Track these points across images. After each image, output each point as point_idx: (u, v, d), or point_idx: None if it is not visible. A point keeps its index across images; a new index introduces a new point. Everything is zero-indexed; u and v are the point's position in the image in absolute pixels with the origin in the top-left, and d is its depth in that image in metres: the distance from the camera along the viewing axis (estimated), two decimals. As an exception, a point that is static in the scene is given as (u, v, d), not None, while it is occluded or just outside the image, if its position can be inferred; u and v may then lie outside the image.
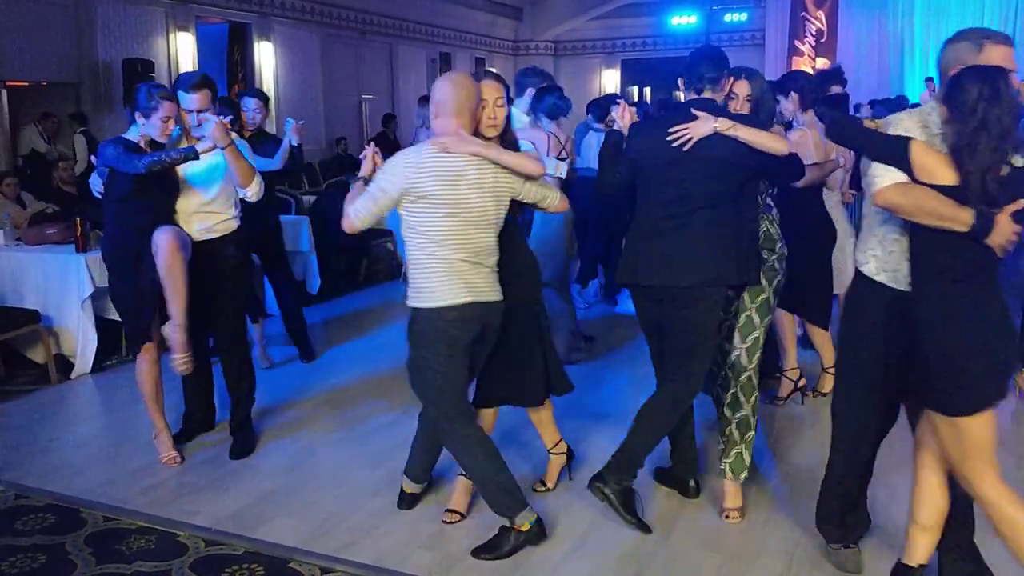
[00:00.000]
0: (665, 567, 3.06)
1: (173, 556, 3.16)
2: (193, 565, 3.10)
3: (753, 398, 3.44)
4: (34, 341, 5.40)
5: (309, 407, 4.72)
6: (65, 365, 5.39)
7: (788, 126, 4.48)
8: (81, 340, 5.33)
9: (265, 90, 12.05)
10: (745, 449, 3.41)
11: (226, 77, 11.99)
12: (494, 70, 3.33)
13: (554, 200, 3.23)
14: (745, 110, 3.40)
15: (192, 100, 3.84)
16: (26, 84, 9.59)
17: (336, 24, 13.51)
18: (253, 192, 3.93)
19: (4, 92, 9.18)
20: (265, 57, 12.12)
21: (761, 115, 3.42)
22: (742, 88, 3.37)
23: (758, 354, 3.45)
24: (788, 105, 4.45)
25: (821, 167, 4.31)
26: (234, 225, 4.10)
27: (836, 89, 5.65)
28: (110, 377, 5.38)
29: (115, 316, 5.60)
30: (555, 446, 3.68)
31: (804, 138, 4.32)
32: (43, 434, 4.41)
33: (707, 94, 3.24)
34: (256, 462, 4.00)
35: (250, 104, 5.28)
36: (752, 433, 3.44)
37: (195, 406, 4.33)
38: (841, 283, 4.61)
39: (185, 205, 3.95)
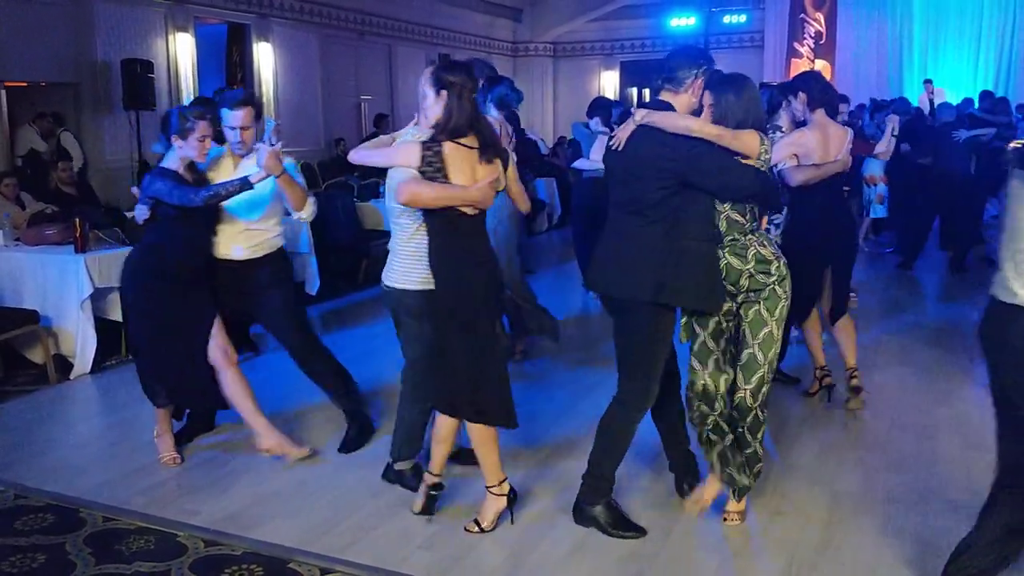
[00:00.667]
0: (666, 567, 3.06)
1: (172, 556, 3.16)
2: (192, 565, 3.10)
3: (760, 433, 3.27)
4: (33, 341, 5.40)
5: (308, 408, 4.71)
6: (64, 365, 5.39)
7: (801, 124, 4.52)
8: (80, 340, 5.33)
9: (264, 91, 12.07)
10: (751, 479, 3.29)
11: (224, 78, 11.99)
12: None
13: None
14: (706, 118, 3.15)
15: (235, 117, 3.84)
16: (25, 84, 9.58)
17: (335, 25, 13.51)
18: (307, 214, 3.94)
19: (3, 92, 9.16)
20: (264, 58, 12.11)
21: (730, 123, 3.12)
22: (707, 98, 3.19)
23: (764, 390, 3.23)
24: (797, 105, 4.47)
25: (819, 168, 4.31)
26: (280, 243, 4.14)
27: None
28: (109, 377, 5.38)
29: (115, 317, 5.63)
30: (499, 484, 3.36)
31: (803, 137, 4.34)
32: (42, 434, 4.41)
33: (665, 95, 3.16)
34: (255, 463, 3.99)
35: None
36: (760, 465, 3.31)
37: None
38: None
39: (231, 226, 3.94)
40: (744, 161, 3.05)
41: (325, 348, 4.33)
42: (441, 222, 3.14)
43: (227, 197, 3.67)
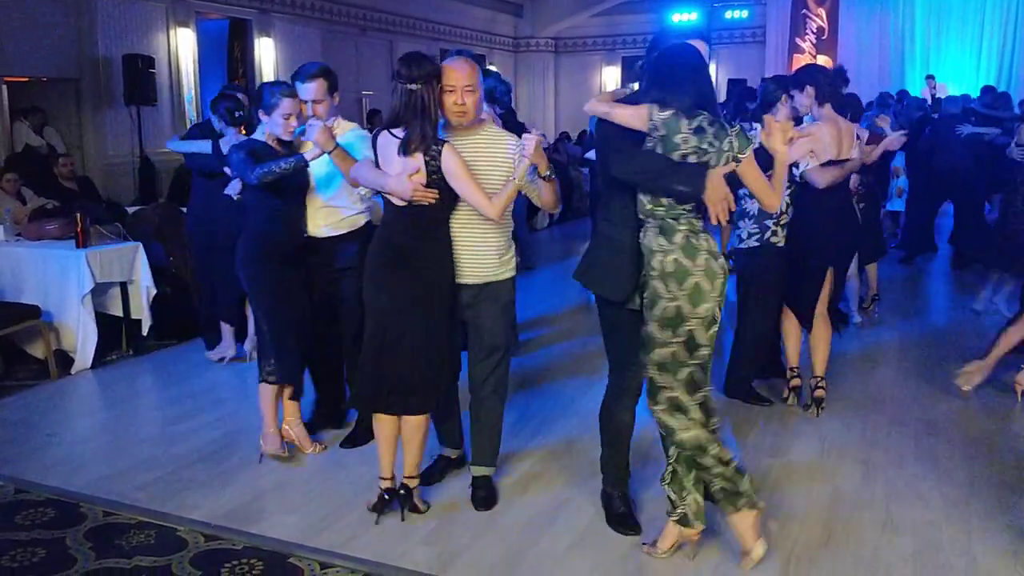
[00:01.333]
0: (666, 563, 3.05)
1: (173, 551, 3.17)
2: (193, 560, 3.10)
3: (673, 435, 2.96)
4: (34, 336, 5.40)
5: (307, 402, 4.71)
6: (65, 360, 5.39)
7: (799, 121, 4.46)
8: (81, 335, 5.34)
9: (265, 86, 12.03)
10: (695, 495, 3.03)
11: (226, 73, 11.98)
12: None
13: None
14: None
15: (307, 90, 3.81)
16: (26, 80, 9.57)
17: (336, 20, 13.49)
18: (367, 191, 3.71)
19: (4, 88, 9.16)
20: (265, 53, 12.10)
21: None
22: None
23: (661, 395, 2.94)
24: (803, 99, 4.34)
25: (842, 167, 4.25)
26: (359, 221, 4.01)
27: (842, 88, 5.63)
28: (110, 372, 5.38)
29: (115, 312, 5.64)
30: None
31: (820, 131, 4.20)
32: (43, 429, 4.42)
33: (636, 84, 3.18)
34: (254, 458, 3.99)
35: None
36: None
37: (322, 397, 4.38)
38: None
39: (312, 203, 3.91)
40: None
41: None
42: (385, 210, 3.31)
43: (281, 175, 3.60)
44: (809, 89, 4.30)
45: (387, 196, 3.22)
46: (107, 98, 9.79)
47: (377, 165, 3.23)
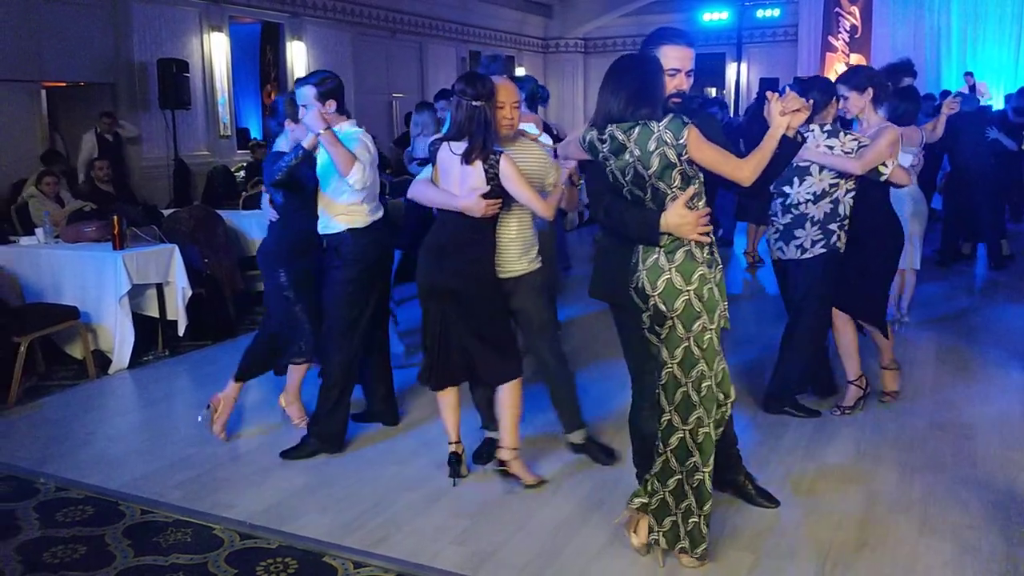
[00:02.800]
0: (698, 565, 3.03)
1: (209, 549, 3.21)
2: (228, 558, 3.14)
3: (672, 480, 2.94)
4: (73, 337, 5.49)
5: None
6: (103, 361, 5.48)
7: (847, 124, 4.40)
8: (118, 336, 5.42)
9: (297, 89, 12.14)
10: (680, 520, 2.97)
11: (259, 77, 12.10)
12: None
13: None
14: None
15: (298, 95, 3.90)
16: (64, 85, 9.75)
17: (367, 23, 13.58)
18: (354, 179, 3.73)
19: (43, 93, 9.34)
20: (297, 56, 12.22)
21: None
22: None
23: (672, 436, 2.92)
24: (858, 102, 4.23)
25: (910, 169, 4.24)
26: (358, 219, 3.95)
27: (907, 81, 5.53)
28: (147, 372, 5.46)
29: (152, 313, 5.72)
30: None
31: (891, 133, 4.12)
32: (82, 428, 4.49)
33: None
34: (286, 463, 4.03)
35: None
36: (688, 503, 2.95)
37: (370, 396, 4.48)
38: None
39: (321, 198, 4.01)
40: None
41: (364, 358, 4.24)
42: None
43: (292, 169, 3.86)
44: (869, 91, 4.22)
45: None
46: (142, 102, 9.94)
47: (432, 179, 3.56)
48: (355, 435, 4.27)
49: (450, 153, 3.48)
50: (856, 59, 16.13)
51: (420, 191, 3.60)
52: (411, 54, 14.92)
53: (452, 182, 3.47)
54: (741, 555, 3.09)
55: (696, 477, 2.90)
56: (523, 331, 3.78)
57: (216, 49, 10.90)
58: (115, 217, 5.52)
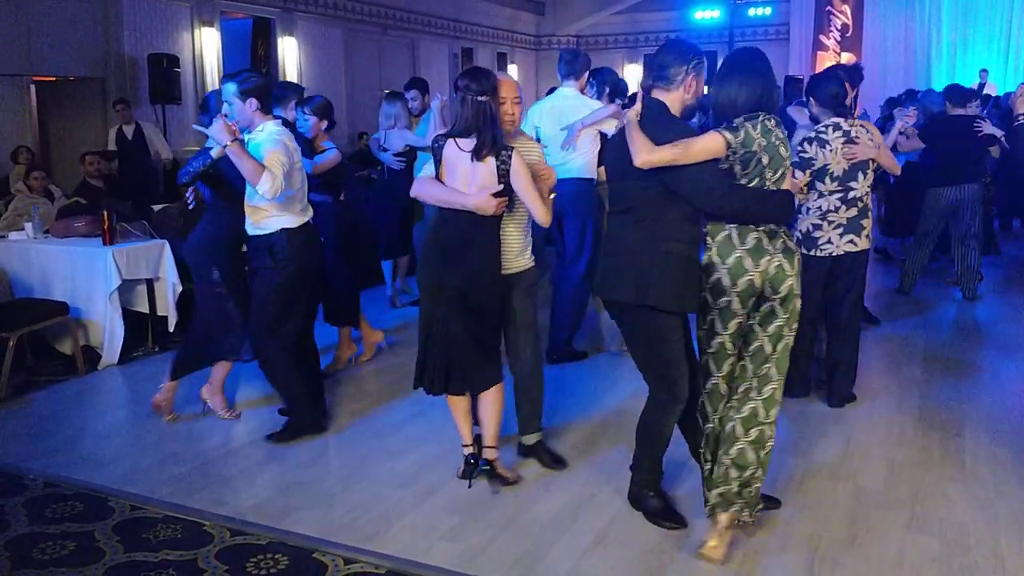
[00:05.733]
0: (687, 562, 3.05)
1: (199, 545, 3.20)
2: (219, 554, 3.13)
3: (732, 451, 3.06)
4: (62, 332, 5.47)
5: (332, 398, 4.74)
6: (92, 356, 5.46)
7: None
8: (108, 332, 5.40)
9: (288, 85, 12.11)
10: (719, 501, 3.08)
11: (250, 72, 12.06)
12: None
13: None
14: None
15: (223, 92, 3.93)
16: (54, 79, 9.70)
17: (359, 19, 13.55)
18: (264, 190, 3.68)
19: (33, 87, 9.28)
20: (289, 52, 12.18)
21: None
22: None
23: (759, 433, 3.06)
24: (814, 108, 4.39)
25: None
26: (278, 224, 3.92)
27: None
28: (136, 368, 5.44)
29: (142, 308, 5.70)
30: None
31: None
32: (71, 424, 4.47)
33: (657, 92, 3.08)
34: (280, 454, 4.03)
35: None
36: (726, 489, 3.08)
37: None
38: None
39: (244, 203, 4.00)
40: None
41: (295, 363, 4.12)
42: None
43: (199, 174, 3.90)
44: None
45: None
46: (133, 97, 9.89)
47: (437, 175, 3.45)
48: (344, 433, 4.27)
49: (457, 150, 3.37)
50: (847, 58, 16.17)
51: (426, 189, 3.49)
52: (403, 50, 14.89)
53: (459, 180, 3.37)
54: (731, 551, 3.10)
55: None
56: (510, 327, 3.69)
57: (207, 44, 10.87)
58: (105, 212, 5.49)
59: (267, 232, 3.94)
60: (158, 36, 10.20)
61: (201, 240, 4.24)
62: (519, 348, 3.70)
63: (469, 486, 3.57)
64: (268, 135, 3.85)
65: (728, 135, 2.90)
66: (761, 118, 2.95)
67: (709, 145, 2.89)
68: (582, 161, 5.06)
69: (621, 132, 3.09)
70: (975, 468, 3.78)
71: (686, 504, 3.43)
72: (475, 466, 3.59)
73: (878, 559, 3.05)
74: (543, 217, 3.39)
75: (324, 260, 4.52)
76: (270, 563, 3.07)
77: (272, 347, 4.06)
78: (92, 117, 9.92)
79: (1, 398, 4.81)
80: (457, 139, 3.36)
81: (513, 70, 18.11)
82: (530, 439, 3.84)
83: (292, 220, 3.96)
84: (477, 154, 3.31)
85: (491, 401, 3.57)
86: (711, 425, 3.14)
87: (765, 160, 2.94)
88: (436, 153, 3.45)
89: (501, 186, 3.32)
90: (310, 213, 4.10)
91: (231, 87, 3.84)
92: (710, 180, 2.91)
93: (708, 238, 3.05)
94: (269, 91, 3.90)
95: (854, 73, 5.18)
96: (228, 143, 3.66)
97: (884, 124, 9.71)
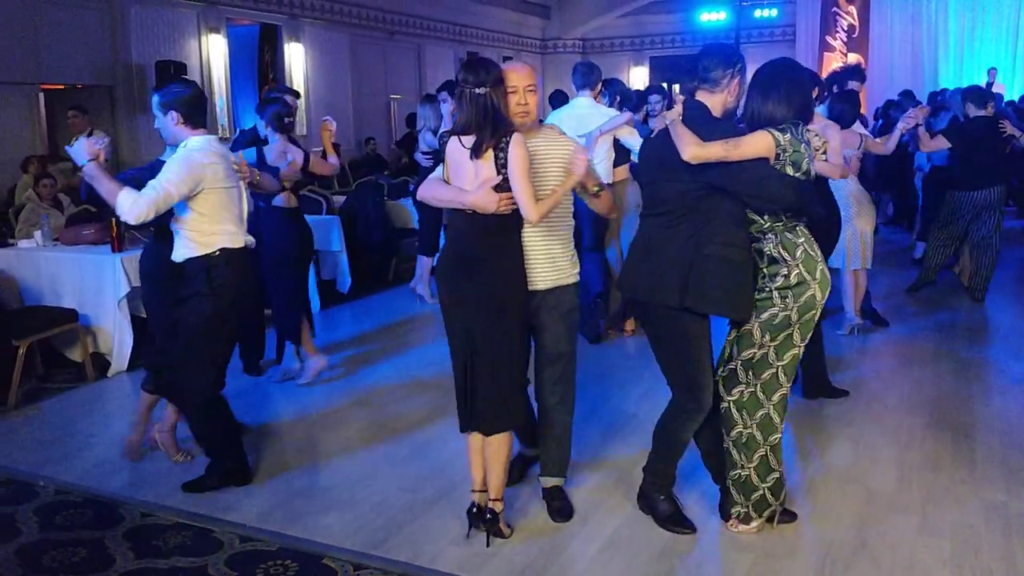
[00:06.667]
0: (698, 565, 3.05)
1: (209, 552, 3.21)
2: (228, 561, 3.14)
3: (756, 456, 3.14)
4: (72, 340, 5.49)
5: (340, 405, 4.75)
6: (102, 363, 5.48)
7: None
8: (117, 339, 5.42)
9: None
10: (749, 506, 3.20)
11: (256, 78, 12.10)
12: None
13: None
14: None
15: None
16: (62, 87, 9.75)
17: (365, 25, 13.59)
18: (121, 212, 3.40)
19: (41, 95, 9.33)
20: (295, 58, 12.21)
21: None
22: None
23: (758, 413, 3.13)
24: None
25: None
26: (190, 253, 3.58)
27: (853, 85, 5.74)
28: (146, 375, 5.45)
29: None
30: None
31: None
32: (81, 431, 4.49)
33: (701, 95, 3.09)
34: (289, 460, 4.04)
35: (289, 101, 5.21)
36: (759, 495, 3.18)
37: None
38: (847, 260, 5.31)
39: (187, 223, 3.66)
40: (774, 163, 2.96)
41: (221, 407, 3.78)
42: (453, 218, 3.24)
43: (95, 190, 3.52)
44: (813, 90, 4.37)
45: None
46: (140, 104, 9.93)
47: (445, 176, 3.20)
48: (353, 438, 4.27)
49: (460, 147, 3.10)
50: (854, 59, 16.14)
51: (430, 190, 3.24)
52: (409, 55, 14.92)
53: (464, 178, 3.10)
54: (741, 555, 3.09)
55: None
56: (536, 353, 3.37)
57: (214, 51, 10.91)
58: (113, 220, 5.51)
59: (199, 255, 3.57)
60: (165, 43, 10.24)
61: (155, 266, 3.98)
62: (544, 380, 3.37)
63: (467, 536, 3.25)
64: (180, 152, 3.56)
65: (776, 134, 2.93)
66: (801, 126, 3.01)
67: (759, 144, 2.92)
68: (601, 168, 5.28)
69: (662, 133, 3.07)
70: (986, 470, 3.76)
71: (696, 509, 3.42)
72: (480, 517, 3.25)
73: (889, 562, 3.04)
74: (531, 214, 3.01)
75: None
76: (280, 569, 3.07)
77: (196, 387, 3.66)
78: (100, 125, 9.94)
79: (12, 405, 4.83)
80: (461, 136, 3.10)
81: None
82: (549, 481, 3.49)
83: (232, 242, 3.61)
84: (476, 151, 3.03)
85: (498, 447, 3.18)
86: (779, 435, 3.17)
87: (805, 166, 2.98)
88: (441, 153, 3.25)
89: (500, 177, 3.01)
90: (250, 239, 3.76)
91: (155, 99, 3.64)
92: (762, 172, 2.92)
93: (785, 253, 3.02)
94: (194, 103, 3.61)
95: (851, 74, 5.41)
96: (85, 162, 3.41)
97: (877, 125, 9.73)
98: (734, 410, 3.15)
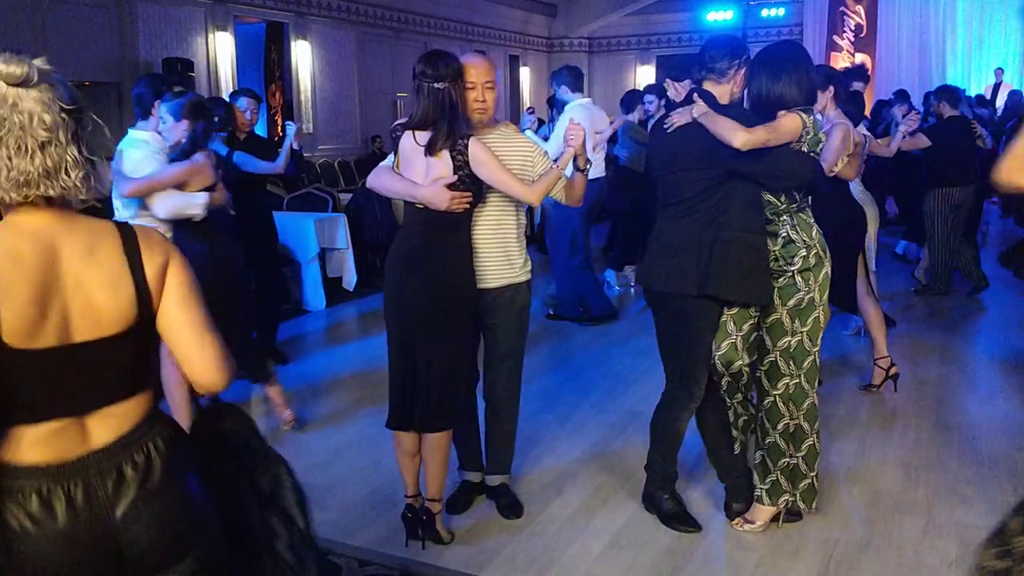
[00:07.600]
0: (702, 564, 3.04)
1: (214, 547, 3.20)
2: (234, 556, 3.14)
3: (805, 445, 3.16)
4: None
5: (344, 402, 4.76)
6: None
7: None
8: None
9: (302, 89, 12.19)
10: (776, 495, 3.22)
11: (263, 76, 12.12)
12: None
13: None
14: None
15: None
16: (70, 84, 9.77)
17: (371, 22, 13.61)
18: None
19: (48, 92, 9.36)
20: (302, 56, 12.24)
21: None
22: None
23: (807, 403, 3.14)
24: (821, 99, 4.25)
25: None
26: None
27: (857, 86, 5.72)
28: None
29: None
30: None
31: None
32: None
33: (708, 84, 3.09)
34: (292, 457, 4.02)
35: (243, 104, 5.22)
36: (807, 483, 3.20)
37: None
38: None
39: None
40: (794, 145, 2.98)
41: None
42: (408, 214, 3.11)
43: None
44: (831, 89, 4.27)
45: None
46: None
47: (396, 168, 3.08)
48: (358, 434, 4.28)
49: (413, 143, 2.96)
50: (861, 58, 16.11)
51: (379, 180, 3.12)
52: (416, 54, 14.66)
53: (415, 174, 2.97)
54: (745, 554, 3.09)
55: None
56: (487, 352, 3.34)
57: (221, 49, 10.93)
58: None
59: None
60: (172, 41, 10.27)
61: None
62: (495, 377, 3.34)
63: (406, 544, 3.16)
64: (128, 142, 3.98)
65: (804, 116, 2.99)
66: (811, 111, 3.06)
67: (792, 126, 2.96)
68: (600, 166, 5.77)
69: (676, 126, 3.07)
70: (992, 470, 3.75)
71: (700, 507, 3.42)
72: (417, 522, 3.15)
73: (895, 563, 3.03)
74: (530, 197, 2.97)
75: None
76: (285, 565, 3.07)
77: None
78: (107, 122, 9.87)
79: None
80: (415, 131, 2.96)
81: (526, 72, 18.17)
82: (496, 479, 3.47)
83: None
84: (430, 148, 2.90)
85: (437, 443, 3.09)
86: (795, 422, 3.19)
87: (818, 148, 3.09)
88: (393, 143, 3.10)
89: (455, 177, 2.88)
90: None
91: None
92: (781, 150, 2.97)
93: (803, 234, 3.07)
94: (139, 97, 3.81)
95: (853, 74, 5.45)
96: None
97: (873, 124, 9.69)
98: (780, 403, 3.13)
